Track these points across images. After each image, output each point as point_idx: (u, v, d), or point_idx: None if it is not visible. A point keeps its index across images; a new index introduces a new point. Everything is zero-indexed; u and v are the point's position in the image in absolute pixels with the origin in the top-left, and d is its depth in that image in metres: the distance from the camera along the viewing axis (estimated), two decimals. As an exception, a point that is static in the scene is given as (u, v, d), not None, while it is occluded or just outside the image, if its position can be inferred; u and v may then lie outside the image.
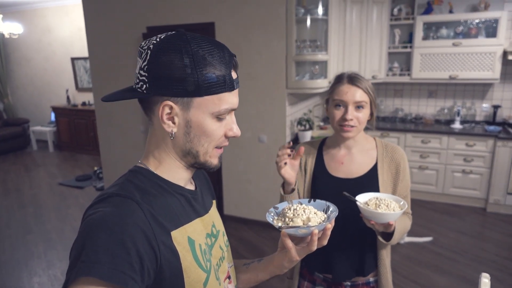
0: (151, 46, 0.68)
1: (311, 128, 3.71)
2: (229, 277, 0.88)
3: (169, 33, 0.70)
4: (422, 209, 4.03)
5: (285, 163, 1.15)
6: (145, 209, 0.66)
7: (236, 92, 0.74)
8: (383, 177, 1.30)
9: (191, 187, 0.83)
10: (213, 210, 0.89)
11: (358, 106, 1.25)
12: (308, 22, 3.28)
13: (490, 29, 3.92)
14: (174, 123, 0.71)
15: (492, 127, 3.97)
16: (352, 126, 1.25)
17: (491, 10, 3.94)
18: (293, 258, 0.80)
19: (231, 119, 0.76)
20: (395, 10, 4.29)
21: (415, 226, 3.46)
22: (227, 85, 0.70)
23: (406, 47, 4.31)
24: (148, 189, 0.71)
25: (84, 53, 6.48)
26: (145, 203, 0.68)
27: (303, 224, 0.80)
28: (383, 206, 1.09)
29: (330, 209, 0.86)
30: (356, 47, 4.04)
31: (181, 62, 0.66)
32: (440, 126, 4.29)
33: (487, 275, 0.86)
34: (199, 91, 0.68)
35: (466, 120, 4.35)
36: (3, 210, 4.33)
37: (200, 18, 3.54)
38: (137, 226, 0.63)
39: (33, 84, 7.50)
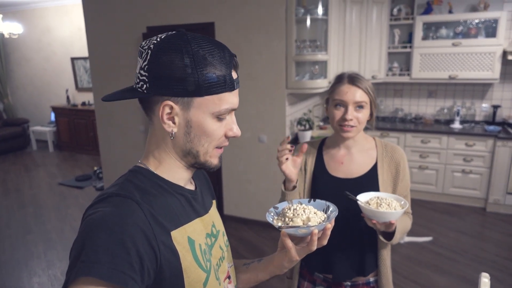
0: (152, 46, 0.68)
1: (311, 128, 3.71)
2: (229, 277, 0.88)
3: (170, 33, 0.70)
4: (422, 209, 4.03)
5: (287, 159, 1.15)
6: (145, 209, 0.66)
7: (236, 92, 0.74)
8: (383, 177, 1.30)
9: (191, 187, 0.83)
10: (213, 210, 0.89)
11: (358, 106, 1.25)
12: (308, 22, 3.28)
13: (490, 29, 3.92)
14: (174, 123, 0.71)
15: (491, 127, 3.97)
16: (352, 126, 1.25)
17: (490, 10, 3.94)
18: (293, 258, 0.80)
19: (231, 119, 0.76)
20: (395, 10, 4.29)
21: (415, 226, 3.46)
22: (227, 85, 0.70)
23: (405, 47, 4.31)
24: (148, 189, 0.71)
25: (84, 53, 6.48)
26: (145, 203, 0.68)
27: (303, 224, 0.80)
28: (384, 205, 1.10)
29: (330, 209, 0.86)
30: (356, 47, 4.04)
31: (181, 62, 0.66)
32: (440, 126, 4.30)
33: (487, 275, 0.86)
34: (200, 91, 0.68)
35: (466, 120, 4.35)
36: (3, 210, 4.33)
37: (200, 18, 3.54)
38: (137, 226, 0.63)
39: (33, 84, 7.50)
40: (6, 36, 6.51)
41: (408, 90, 4.64)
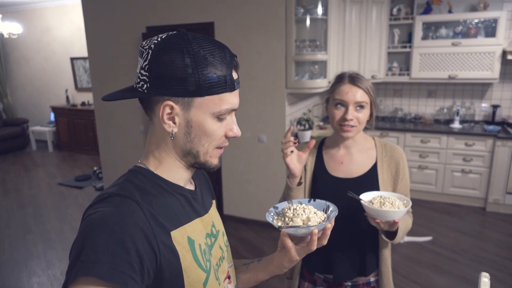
0: (152, 46, 0.68)
1: (310, 128, 3.71)
2: (229, 277, 0.88)
3: (170, 33, 0.70)
4: (421, 209, 4.03)
5: (292, 152, 1.15)
6: (145, 209, 0.66)
7: (236, 92, 0.74)
8: (383, 177, 1.30)
9: (191, 187, 0.83)
10: (213, 210, 0.89)
11: (359, 106, 1.25)
12: (308, 22, 3.28)
13: (489, 29, 3.92)
14: (174, 123, 0.71)
15: (491, 127, 3.97)
16: (352, 126, 1.25)
17: (490, 10, 3.94)
18: (293, 258, 0.80)
19: (231, 119, 0.76)
20: (395, 10, 4.29)
21: (414, 225, 3.46)
22: (228, 85, 0.70)
23: (405, 47, 4.31)
24: (148, 189, 0.71)
25: (84, 53, 6.48)
26: (145, 203, 0.68)
27: (303, 223, 0.80)
28: (388, 204, 1.10)
29: (330, 208, 0.86)
30: (356, 47, 4.04)
31: (182, 62, 0.66)
32: (440, 125, 4.30)
33: (487, 274, 0.86)
34: (200, 91, 0.68)
35: (466, 119, 4.35)
36: (3, 210, 4.32)
37: (200, 18, 3.54)
38: (137, 226, 0.63)
39: (33, 84, 7.49)
40: (6, 36, 6.51)
41: (408, 90, 4.64)
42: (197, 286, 0.73)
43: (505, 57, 3.93)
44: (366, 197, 1.16)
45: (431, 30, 4.19)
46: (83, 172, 5.64)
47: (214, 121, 0.72)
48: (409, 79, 4.33)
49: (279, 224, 0.82)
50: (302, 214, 0.81)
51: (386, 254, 1.34)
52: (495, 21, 3.83)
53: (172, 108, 0.69)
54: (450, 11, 4.10)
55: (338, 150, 1.36)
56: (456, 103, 4.40)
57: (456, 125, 4.18)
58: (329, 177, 1.33)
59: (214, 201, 0.93)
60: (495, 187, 3.88)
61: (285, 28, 3.22)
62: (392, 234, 1.22)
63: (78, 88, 6.95)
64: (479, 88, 4.31)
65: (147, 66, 0.68)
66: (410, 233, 3.42)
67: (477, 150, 3.93)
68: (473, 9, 4.06)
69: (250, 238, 3.53)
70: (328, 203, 0.88)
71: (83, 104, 6.71)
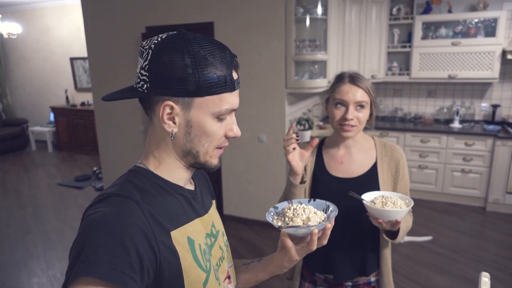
0: (153, 46, 0.68)
1: (310, 127, 3.71)
2: (229, 277, 0.88)
3: (171, 33, 0.70)
4: (421, 209, 4.03)
5: (294, 149, 1.15)
6: (144, 209, 0.66)
7: (236, 92, 0.74)
8: (383, 176, 1.30)
9: (191, 187, 0.83)
10: (213, 210, 0.89)
11: (359, 106, 1.25)
12: (307, 21, 3.28)
13: (489, 29, 3.92)
14: (174, 123, 0.71)
15: (491, 127, 3.97)
16: (352, 126, 1.25)
17: (490, 10, 3.94)
18: (293, 257, 0.80)
19: (231, 119, 0.76)
20: (394, 9, 4.29)
21: (414, 225, 3.45)
22: (228, 85, 0.70)
23: (405, 46, 4.31)
24: (147, 189, 0.71)
25: (83, 53, 6.48)
26: (144, 203, 0.68)
27: (303, 223, 0.79)
28: (390, 204, 1.10)
29: (330, 208, 0.86)
30: (355, 47, 4.04)
31: (182, 62, 0.66)
32: (439, 125, 4.30)
33: (487, 274, 0.86)
34: (200, 91, 0.68)
35: (465, 119, 4.35)
36: (2, 211, 4.32)
37: (199, 18, 3.54)
38: (136, 226, 0.63)
39: (32, 84, 7.49)
40: (5, 36, 6.51)
41: (408, 89, 4.64)
42: (197, 286, 0.73)
43: (505, 57, 3.93)
44: (367, 197, 1.16)
45: (431, 30, 4.19)
46: (83, 172, 5.63)
47: (214, 121, 0.72)
48: (409, 79, 4.33)
49: (279, 224, 0.81)
50: (302, 214, 0.81)
51: (387, 254, 1.34)
52: (495, 20, 3.84)
53: (172, 108, 0.69)
54: (449, 11, 4.10)
55: (338, 150, 1.35)
56: (456, 102, 4.40)
57: (456, 124, 4.19)
58: (329, 177, 1.33)
59: (214, 201, 0.93)
60: (495, 186, 3.88)
61: (285, 28, 3.21)
62: (393, 234, 1.22)
63: (77, 88, 6.94)
64: (479, 88, 4.31)
65: (147, 66, 0.68)
66: (410, 232, 3.42)
67: (477, 150, 3.93)
68: (473, 8, 4.06)
69: (250, 238, 3.53)
70: (328, 203, 0.88)
71: (82, 104, 6.70)
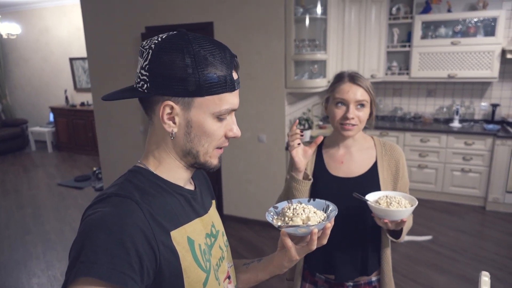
0: (153, 46, 0.68)
1: (310, 127, 3.71)
2: (229, 277, 0.88)
3: (171, 33, 0.70)
4: (421, 208, 4.03)
5: (299, 144, 1.16)
6: (144, 209, 0.66)
7: (236, 92, 0.74)
8: (384, 175, 1.30)
9: (191, 187, 0.83)
10: (213, 210, 0.89)
11: (359, 105, 1.25)
12: (307, 21, 3.28)
13: (489, 28, 3.92)
14: (174, 123, 0.71)
15: (490, 126, 3.97)
16: (353, 125, 1.25)
17: (489, 9, 3.94)
18: (292, 257, 0.80)
19: (231, 119, 0.76)
20: (394, 9, 4.29)
21: (414, 225, 3.45)
22: (228, 85, 0.70)
23: (404, 46, 4.31)
24: (147, 189, 0.71)
25: (83, 53, 6.48)
26: (144, 203, 0.68)
27: (303, 223, 0.79)
28: (395, 203, 1.10)
29: (330, 208, 0.86)
30: (355, 47, 4.04)
31: (182, 62, 0.66)
32: (439, 125, 4.30)
33: (487, 273, 0.86)
34: (200, 91, 0.68)
35: (465, 118, 4.35)
36: (2, 211, 4.32)
37: (199, 18, 3.53)
38: (136, 226, 0.63)
39: (31, 85, 7.49)
40: (4, 36, 6.51)
41: (407, 89, 4.64)
42: (197, 286, 0.73)
43: (504, 56, 3.93)
44: (371, 198, 1.16)
45: (430, 29, 4.19)
46: (83, 172, 5.63)
47: (214, 121, 0.72)
48: (409, 79, 4.33)
49: (279, 223, 0.81)
50: (301, 214, 0.81)
51: (388, 253, 1.34)
52: (494, 20, 3.84)
53: (172, 108, 0.69)
54: (449, 10, 4.10)
55: (338, 149, 1.35)
56: (455, 102, 4.40)
57: (456, 124, 4.19)
58: (330, 177, 1.33)
59: (213, 201, 0.93)
60: (494, 186, 3.88)
61: (285, 28, 3.21)
62: (397, 233, 1.22)
63: (77, 89, 6.94)
64: (479, 87, 4.31)
65: (147, 66, 0.68)
66: (410, 232, 3.42)
67: (476, 149, 3.94)
68: (472, 8, 4.06)
69: (250, 238, 3.53)
70: (327, 202, 0.88)
71: (82, 104, 6.70)
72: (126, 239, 0.60)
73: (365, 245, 1.31)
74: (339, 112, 1.26)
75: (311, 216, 0.80)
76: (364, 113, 1.26)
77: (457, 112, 4.20)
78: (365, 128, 1.34)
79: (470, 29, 4.01)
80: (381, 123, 4.45)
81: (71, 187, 5.03)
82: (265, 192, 3.64)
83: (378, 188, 1.28)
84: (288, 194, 1.27)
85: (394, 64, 4.45)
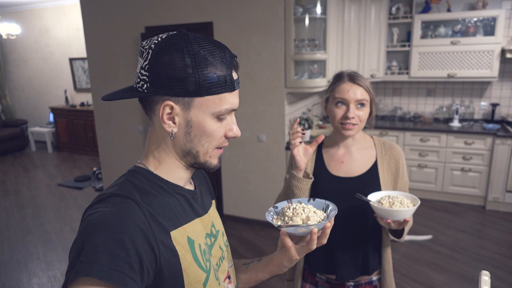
0: (153, 46, 0.68)
1: (310, 127, 3.71)
2: (229, 277, 0.88)
3: (171, 33, 0.71)
4: (421, 208, 4.03)
5: (300, 142, 1.16)
6: (144, 209, 0.66)
7: (236, 92, 0.74)
8: (384, 175, 1.31)
9: (191, 187, 0.83)
10: (213, 210, 0.89)
11: (360, 104, 1.25)
12: (307, 21, 3.28)
13: (488, 28, 3.93)
14: (174, 123, 0.71)
15: (490, 125, 3.98)
16: (353, 124, 1.25)
17: (489, 9, 3.94)
18: (292, 257, 0.80)
19: (231, 119, 0.76)
20: (393, 9, 4.29)
21: (414, 224, 3.46)
22: (228, 85, 0.70)
23: (404, 45, 4.31)
24: (147, 189, 0.71)
25: (82, 53, 6.48)
26: (144, 203, 0.68)
27: (303, 223, 0.80)
28: (397, 203, 1.10)
29: (330, 208, 0.86)
30: (355, 46, 4.04)
31: (182, 62, 0.66)
32: (439, 124, 4.30)
33: (487, 272, 0.86)
34: (200, 91, 0.68)
35: (465, 118, 4.35)
36: (2, 211, 4.32)
37: (199, 18, 3.54)
38: (136, 226, 0.63)
39: (31, 85, 7.49)
40: (4, 37, 6.51)
41: (407, 88, 4.64)
42: (197, 286, 0.73)
43: (504, 56, 3.94)
44: (373, 198, 1.16)
45: (430, 29, 4.19)
46: (83, 172, 5.63)
47: (214, 121, 0.72)
48: (408, 78, 4.33)
49: (279, 223, 0.81)
50: (301, 213, 0.81)
51: (388, 252, 1.34)
52: (494, 19, 3.84)
53: (172, 108, 0.69)
54: (449, 10, 4.10)
55: (338, 149, 1.36)
56: (455, 101, 4.40)
57: (456, 123, 4.19)
58: (330, 177, 1.33)
59: (213, 201, 0.93)
60: (494, 185, 3.88)
61: (284, 28, 3.21)
62: (399, 233, 1.23)
63: (77, 89, 6.94)
64: (478, 87, 4.31)
65: (147, 66, 0.68)
66: (410, 231, 3.42)
67: (476, 149, 3.94)
68: (472, 7, 4.06)
69: (250, 237, 3.53)
70: (327, 202, 0.88)
71: (82, 104, 6.70)
72: (126, 239, 0.60)
73: (366, 245, 1.31)
74: (339, 111, 1.26)
75: (311, 216, 0.80)
76: (364, 113, 1.26)
77: (456, 112, 4.21)
78: (365, 128, 1.34)
79: (470, 29, 4.01)
80: (381, 122, 4.46)
81: (71, 187, 5.03)
82: (265, 192, 3.64)
83: (378, 188, 1.28)
84: (288, 193, 1.27)
85: (394, 63, 4.45)
